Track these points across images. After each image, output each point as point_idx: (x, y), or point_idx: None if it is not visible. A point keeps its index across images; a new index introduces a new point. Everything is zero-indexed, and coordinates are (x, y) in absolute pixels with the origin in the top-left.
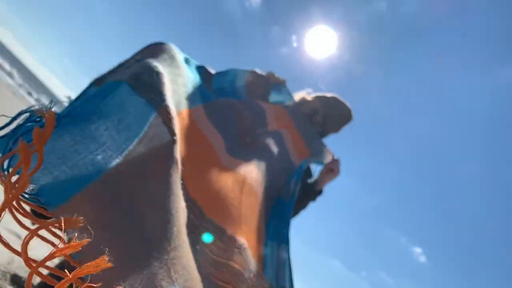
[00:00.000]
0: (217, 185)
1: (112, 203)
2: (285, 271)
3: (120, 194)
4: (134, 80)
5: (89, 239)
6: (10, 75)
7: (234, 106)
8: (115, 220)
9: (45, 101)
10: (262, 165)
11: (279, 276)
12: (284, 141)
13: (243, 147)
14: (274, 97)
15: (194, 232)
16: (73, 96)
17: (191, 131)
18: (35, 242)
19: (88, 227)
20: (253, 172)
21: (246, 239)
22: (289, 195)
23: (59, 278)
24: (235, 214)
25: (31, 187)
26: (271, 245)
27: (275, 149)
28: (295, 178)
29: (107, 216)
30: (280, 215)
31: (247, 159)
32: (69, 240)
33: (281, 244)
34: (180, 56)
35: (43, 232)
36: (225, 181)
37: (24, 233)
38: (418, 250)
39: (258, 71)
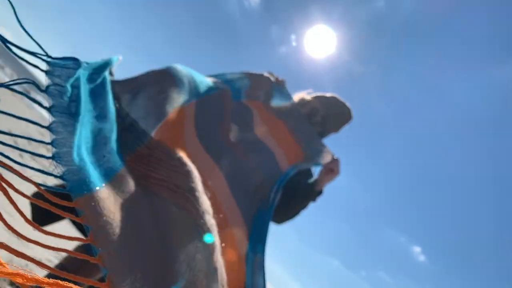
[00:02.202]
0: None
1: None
2: (260, 277)
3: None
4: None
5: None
6: (9, 75)
7: (226, 102)
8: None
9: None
10: (240, 173)
11: (254, 280)
12: (270, 148)
13: (226, 147)
14: (274, 98)
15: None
16: None
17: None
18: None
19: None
20: (223, 187)
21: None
22: (268, 205)
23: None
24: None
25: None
26: (251, 249)
27: (257, 156)
28: (277, 187)
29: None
30: (257, 226)
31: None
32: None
33: (257, 253)
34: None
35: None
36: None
37: (25, 233)
38: (417, 249)
39: (266, 74)
